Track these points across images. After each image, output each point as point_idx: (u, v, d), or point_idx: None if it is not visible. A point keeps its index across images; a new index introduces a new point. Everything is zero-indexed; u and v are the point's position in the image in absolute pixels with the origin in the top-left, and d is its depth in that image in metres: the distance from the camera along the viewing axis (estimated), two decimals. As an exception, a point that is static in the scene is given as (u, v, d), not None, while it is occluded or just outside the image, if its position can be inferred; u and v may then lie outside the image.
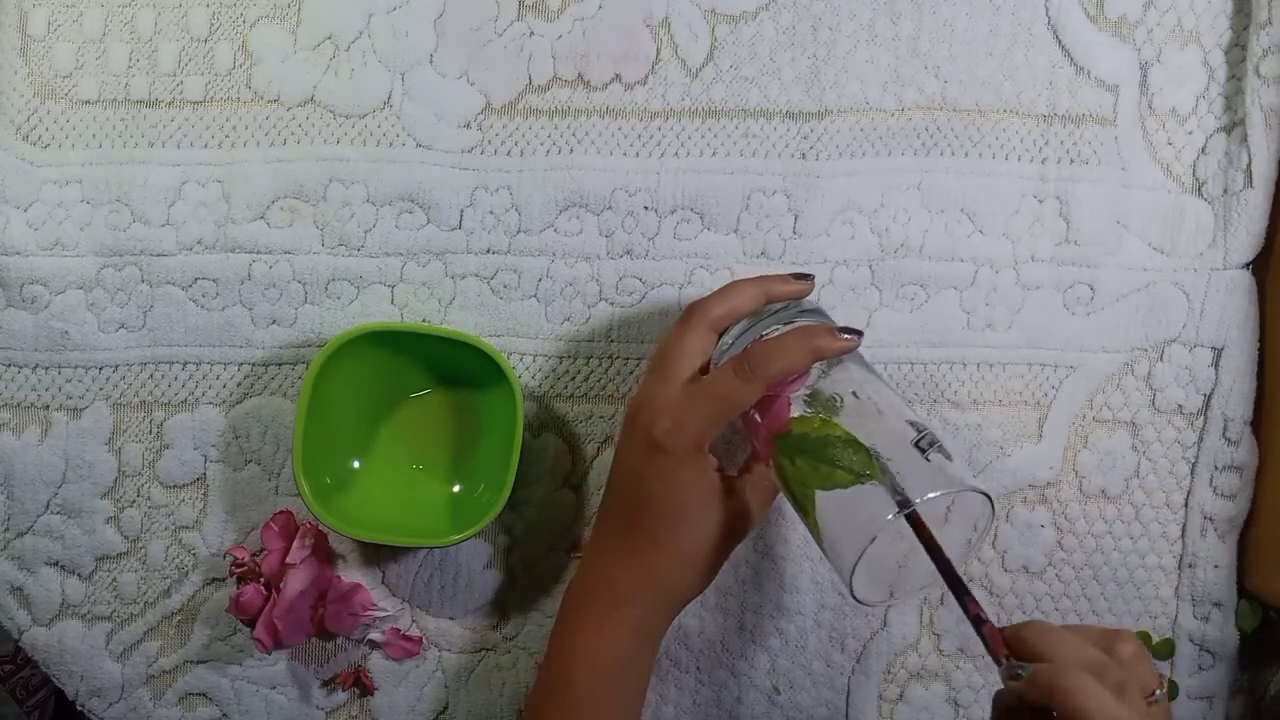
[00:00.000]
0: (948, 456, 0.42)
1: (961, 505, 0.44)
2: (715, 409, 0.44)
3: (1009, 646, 0.40)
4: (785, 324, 0.47)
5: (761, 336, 0.46)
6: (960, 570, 0.42)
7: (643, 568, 0.46)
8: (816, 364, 0.46)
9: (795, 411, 0.45)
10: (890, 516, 0.40)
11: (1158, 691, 0.39)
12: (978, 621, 0.40)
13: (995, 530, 0.57)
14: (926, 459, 0.42)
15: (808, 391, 0.45)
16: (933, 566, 0.42)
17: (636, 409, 0.46)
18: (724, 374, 0.44)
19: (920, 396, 0.56)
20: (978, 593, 0.57)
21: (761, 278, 0.49)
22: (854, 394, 0.45)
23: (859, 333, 0.45)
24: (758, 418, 0.46)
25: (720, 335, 0.48)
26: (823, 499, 0.43)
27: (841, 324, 0.47)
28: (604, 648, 0.46)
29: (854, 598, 0.42)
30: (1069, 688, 0.37)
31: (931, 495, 0.40)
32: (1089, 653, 0.39)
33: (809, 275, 0.49)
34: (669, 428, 0.44)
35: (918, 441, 0.42)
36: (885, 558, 0.44)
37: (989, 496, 0.41)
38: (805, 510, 0.44)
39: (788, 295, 0.49)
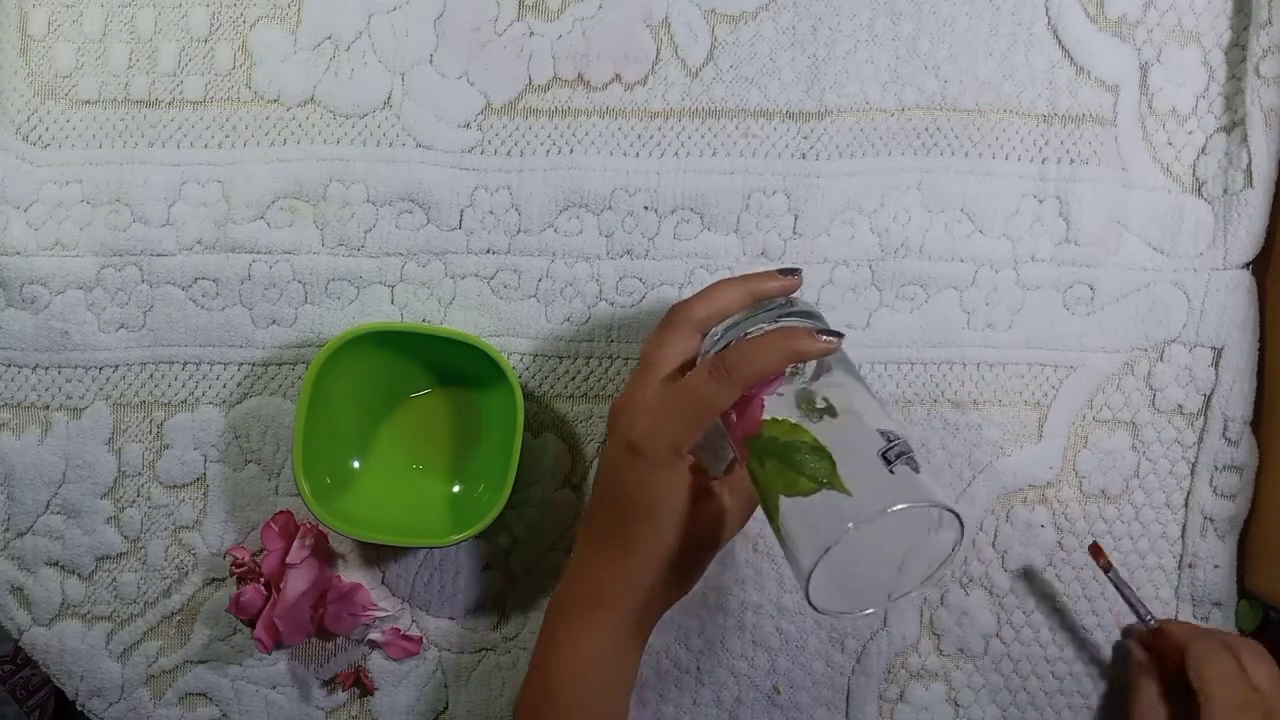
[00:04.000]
0: (915, 469, 0.40)
1: (929, 516, 0.43)
2: (692, 411, 0.43)
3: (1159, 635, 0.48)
4: (770, 324, 0.46)
5: (745, 335, 0.45)
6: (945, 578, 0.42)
7: (620, 570, 0.45)
8: (797, 364, 0.44)
9: (784, 411, 0.44)
10: (851, 526, 0.38)
11: None
12: (1107, 568, 0.48)
13: (995, 530, 0.57)
14: (891, 471, 0.40)
15: (795, 391, 0.44)
16: (892, 581, 0.41)
17: (617, 410, 0.46)
18: (699, 376, 0.43)
19: (920, 396, 0.56)
20: (978, 593, 0.57)
21: (747, 276, 0.47)
22: (825, 398, 0.43)
23: (839, 334, 0.44)
24: (735, 419, 0.45)
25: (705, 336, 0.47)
26: (786, 505, 0.41)
27: (826, 325, 0.46)
28: (584, 647, 0.46)
29: (811, 605, 0.40)
30: (1198, 651, 0.48)
31: (896, 509, 0.38)
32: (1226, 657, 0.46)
33: (795, 270, 0.48)
34: (645, 430, 0.44)
35: (885, 452, 0.41)
36: (852, 567, 0.43)
37: (957, 514, 0.39)
38: (771, 515, 0.43)
39: (774, 292, 0.47)
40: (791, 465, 0.42)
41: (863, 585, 0.43)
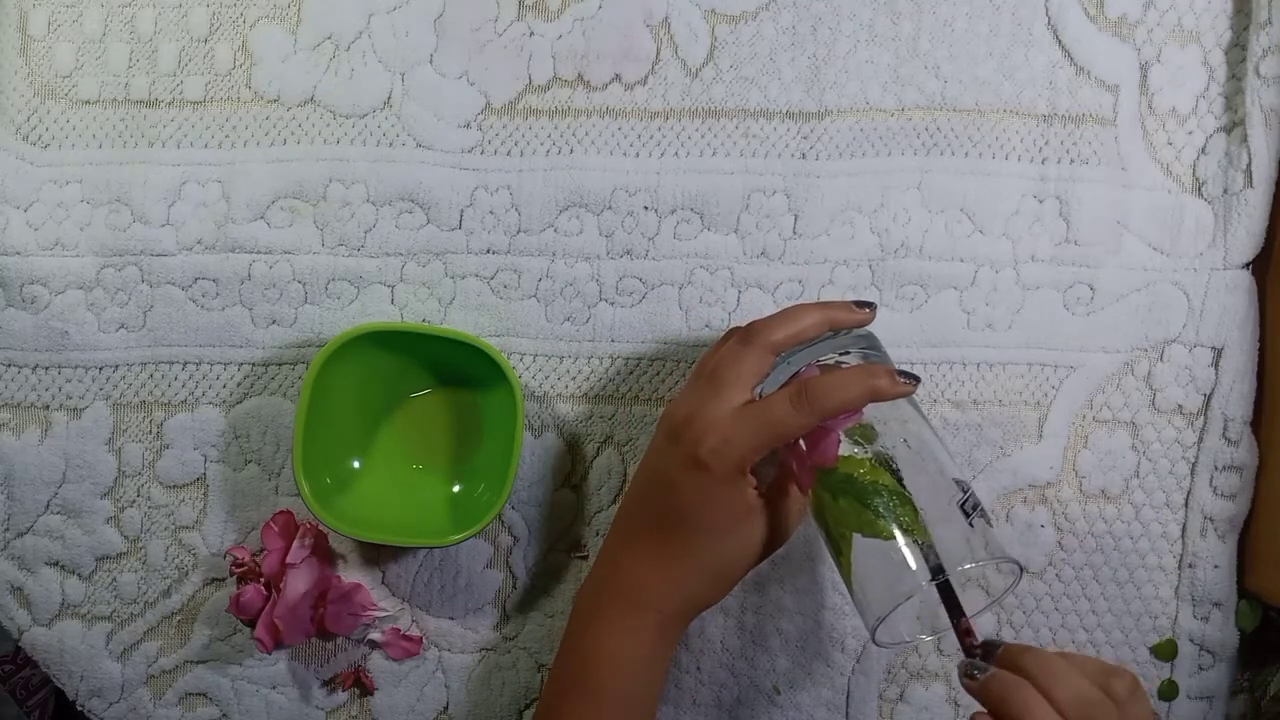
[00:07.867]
0: (989, 521, 0.43)
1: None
2: (765, 435, 0.44)
3: (1000, 661, 0.41)
4: (840, 353, 0.47)
5: (816, 363, 0.46)
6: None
7: (670, 575, 0.46)
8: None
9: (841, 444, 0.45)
10: (925, 584, 0.41)
11: None
12: (955, 611, 0.42)
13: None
14: (970, 524, 0.42)
15: (857, 426, 0.45)
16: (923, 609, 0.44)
17: (682, 421, 0.45)
18: (779, 402, 0.44)
19: (920, 396, 0.56)
20: (976, 592, 0.57)
21: (826, 304, 0.48)
22: (905, 441, 0.45)
23: (917, 379, 0.45)
24: (803, 446, 0.46)
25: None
26: (860, 544, 0.43)
27: (889, 357, 0.48)
28: (625, 647, 0.46)
29: (875, 642, 0.43)
30: (1017, 706, 0.38)
31: (968, 566, 0.42)
32: (1079, 684, 0.39)
33: (871, 304, 0.48)
34: (715, 447, 0.44)
35: (963, 504, 0.43)
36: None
37: (1022, 567, 0.43)
38: (839, 549, 0.44)
39: (849, 324, 0.48)
40: (870, 507, 0.43)
41: (900, 615, 0.45)
